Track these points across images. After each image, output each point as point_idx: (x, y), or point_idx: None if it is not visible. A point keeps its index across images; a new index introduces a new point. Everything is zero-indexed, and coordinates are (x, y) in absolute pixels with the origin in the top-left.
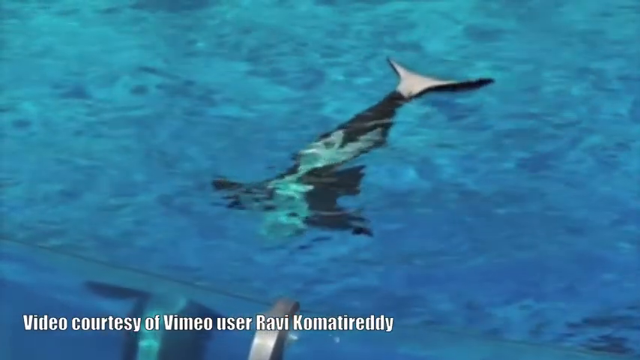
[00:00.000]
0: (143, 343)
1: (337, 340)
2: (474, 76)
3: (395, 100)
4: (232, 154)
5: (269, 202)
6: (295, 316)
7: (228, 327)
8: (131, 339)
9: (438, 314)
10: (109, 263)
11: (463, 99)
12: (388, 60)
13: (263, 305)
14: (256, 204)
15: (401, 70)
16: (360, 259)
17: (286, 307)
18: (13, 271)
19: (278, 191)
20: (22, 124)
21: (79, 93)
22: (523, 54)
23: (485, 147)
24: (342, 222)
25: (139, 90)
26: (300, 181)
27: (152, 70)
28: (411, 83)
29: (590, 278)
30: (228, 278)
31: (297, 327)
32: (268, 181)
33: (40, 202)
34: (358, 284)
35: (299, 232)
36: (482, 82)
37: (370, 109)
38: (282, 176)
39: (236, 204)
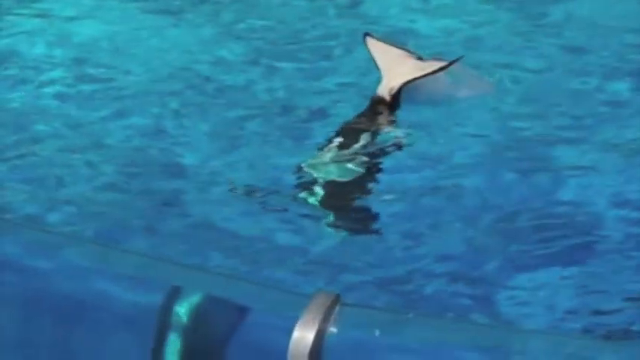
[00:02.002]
0: (177, 336)
1: (377, 333)
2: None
3: (379, 103)
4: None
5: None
6: (335, 309)
7: (268, 320)
8: (164, 331)
9: (470, 309)
10: (147, 255)
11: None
12: (365, 42)
13: (303, 298)
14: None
15: (379, 62)
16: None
17: (326, 299)
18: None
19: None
20: None
21: None
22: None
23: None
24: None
25: None
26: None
27: None
28: (390, 80)
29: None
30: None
31: (337, 320)
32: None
33: None
34: (391, 279)
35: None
36: (453, 62)
37: (359, 115)
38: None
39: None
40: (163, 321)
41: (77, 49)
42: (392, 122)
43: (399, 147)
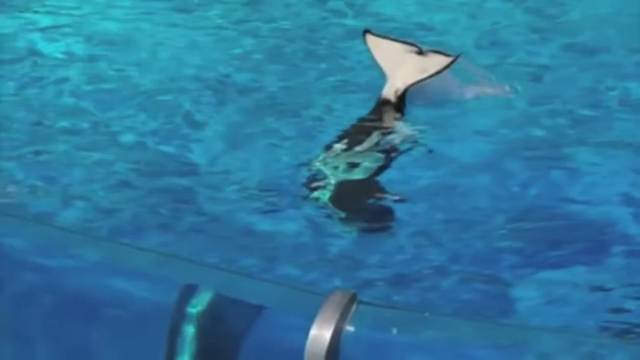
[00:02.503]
0: (192, 335)
1: (395, 331)
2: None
3: (385, 104)
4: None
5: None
6: (352, 308)
7: (284, 319)
8: (179, 329)
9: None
10: (161, 252)
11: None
12: (365, 40)
13: (320, 296)
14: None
15: (381, 61)
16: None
17: (343, 298)
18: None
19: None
20: None
21: None
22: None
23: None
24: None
25: None
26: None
27: None
28: (395, 81)
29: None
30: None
31: (354, 318)
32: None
33: None
34: (406, 277)
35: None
36: (455, 59)
37: (366, 116)
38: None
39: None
40: (178, 319)
41: (93, 46)
42: (399, 122)
43: (407, 146)
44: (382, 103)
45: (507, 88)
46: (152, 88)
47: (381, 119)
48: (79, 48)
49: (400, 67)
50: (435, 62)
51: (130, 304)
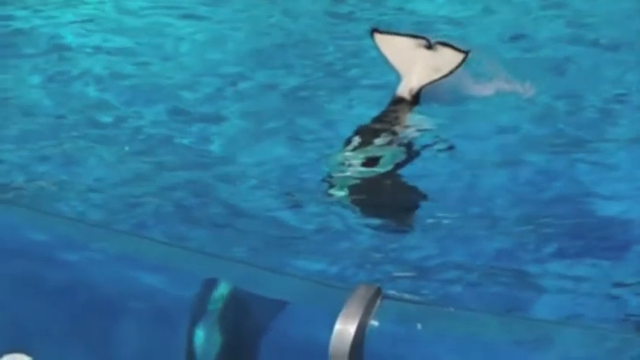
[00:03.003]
0: (215, 329)
1: (419, 326)
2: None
3: (400, 102)
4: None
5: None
6: (376, 302)
7: (309, 313)
8: (201, 323)
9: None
10: (182, 246)
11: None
12: (374, 39)
13: (344, 291)
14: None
15: (392, 59)
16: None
17: (367, 292)
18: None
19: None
20: None
21: None
22: None
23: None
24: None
25: None
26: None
27: None
28: (409, 80)
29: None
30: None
31: (378, 313)
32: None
33: None
34: (428, 272)
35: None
36: (466, 56)
37: (382, 113)
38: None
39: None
40: (201, 314)
41: (115, 40)
42: (415, 118)
43: (425, 142)
44: (397, 101)
45: (527, 85)
46: (174, 83)
47: (397, 116)
48: (103, 41)
49: (413, 65)
50: (447, 60)
51: (152, 297)
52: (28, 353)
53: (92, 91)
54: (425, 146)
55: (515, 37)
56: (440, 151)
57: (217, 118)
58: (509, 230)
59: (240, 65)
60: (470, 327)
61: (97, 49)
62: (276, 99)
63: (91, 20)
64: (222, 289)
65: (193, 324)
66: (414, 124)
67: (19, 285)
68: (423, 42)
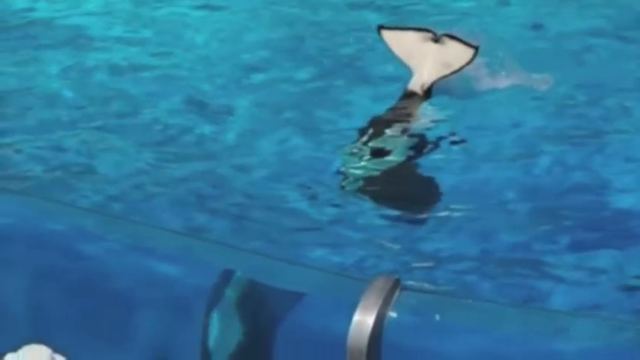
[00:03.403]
0: (233, 320)
1: (437, 317)
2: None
3: (412, 96)
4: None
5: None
6: (395, 294)
7: (327, 304)
8: (218, 314)
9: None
10: (202, 237)
11: None
12: (381, 35)
13: (363, 282)
14: None
15: (401, 55)
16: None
17: (386, 284)
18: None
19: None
20: None
21: None
22: None
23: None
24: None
25: None
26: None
27: None
28: (421, 75)
29: None
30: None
31: (397, 304)
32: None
33: None
34: (445, 263)
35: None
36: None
37: (393, 107)
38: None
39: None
40: (216, 304)
41: (135, 31)
42: (427, 111)
43: (438, 135)
44: (409, 95)
45: (543, 76)
46: (192, 74)
47: (409, 109)
48: (123, 32)
49: (422, 60)
50: (457, 56)
51: (170, 288)
52: (46, 344)
53: (111, 82)
54: (439, 138)
55: (533, 28)
56: (454, 142)
57: (234, 109)
58: (525, 222)
59: (257, 56)
60: (488, 318)
61: (116, 40)
62: (293, 90)
63: (108, 12)
64: (240, 281)
65: (210, 315)
66: (426, 116)
67: (38, 275)
68: (430, 35)
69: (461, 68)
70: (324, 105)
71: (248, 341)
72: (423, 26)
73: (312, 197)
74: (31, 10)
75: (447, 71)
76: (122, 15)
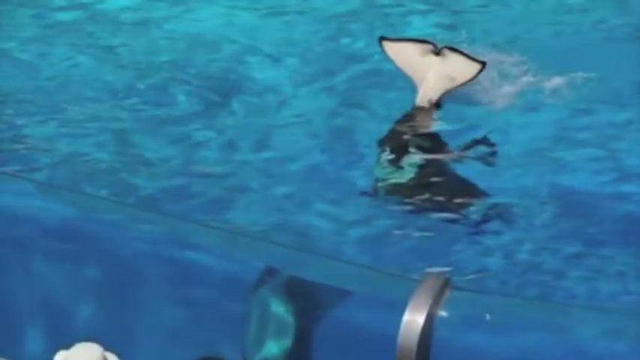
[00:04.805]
0: (285, 319)
1: (488, 317)
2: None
3: (421, 110)
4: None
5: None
6: (445, 293)
7: (378, 303)
8: (270, 310)
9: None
10: (253, 235)
11: None
12: (382, 47)
13: (413, 281)
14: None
15: (404, 67)
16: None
17: (436, 282)
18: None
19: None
20: None
21: None
22: None
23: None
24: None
25: None
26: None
27: None
28: (426, 90)
29: None
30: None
31: (447, 304)
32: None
33: None
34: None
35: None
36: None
37: (404, 118)
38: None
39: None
40: (263, 301)
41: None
42: (438, 122)
43: (453, 143)
44: (418, 110)
45: (553, 80)
46: (200, 71)
47: (420, 122)
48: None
49: (425, 73)
50: (462, 71)
51: (213, 283)
52: (98, 342)
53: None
54: (451, 147)
55: (544, 30)
56: (467, 149)
57: (273, 117)
58: (552, 223)
59: (292, 68)
60: (537, 317)
61: (156, 32)
62: (324, 98)
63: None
64: (292, 278)
65: (256, 312)
66: (439, 125)
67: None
68: (430, 47)
69: (466, 82)
70: (353, 115)
71: (295, 338)
72: (423, 38)
73: (340, 203)
74: (84, 6)
75: (452, 85)
76: (165, 7)
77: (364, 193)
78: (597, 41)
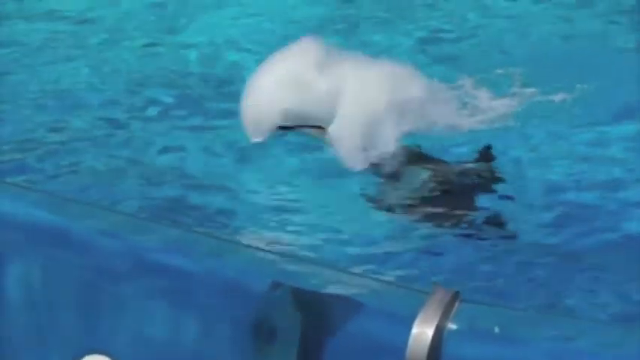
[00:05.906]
0: (291, 330)
1: (497, 330)
2: None
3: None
4: None
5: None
6: (454, 306)
7: (386, 315)
8: (275, 326)
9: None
10: (256, 247)
11: None
12: None
13: (421, 294)
14: None
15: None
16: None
17: (445, 295)
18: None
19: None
20: None
21: None
22: None
23: None
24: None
25: None
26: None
27: None
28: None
29: None
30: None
31: (456, 317)
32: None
33: None
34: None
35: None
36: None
37: None
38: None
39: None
40: (271, 313)
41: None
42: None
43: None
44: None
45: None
46: (199, 76)
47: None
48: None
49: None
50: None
51: (218, 294)
52: (108, 354)
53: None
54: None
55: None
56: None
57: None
58: (557, 232)
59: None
60: (550, 331)
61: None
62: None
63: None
64: (298, 290)
65: (264, 324)
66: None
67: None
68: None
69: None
70: None
71: (302, 351)
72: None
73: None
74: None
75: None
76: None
77: (365, 205)
78: (597, 52)
